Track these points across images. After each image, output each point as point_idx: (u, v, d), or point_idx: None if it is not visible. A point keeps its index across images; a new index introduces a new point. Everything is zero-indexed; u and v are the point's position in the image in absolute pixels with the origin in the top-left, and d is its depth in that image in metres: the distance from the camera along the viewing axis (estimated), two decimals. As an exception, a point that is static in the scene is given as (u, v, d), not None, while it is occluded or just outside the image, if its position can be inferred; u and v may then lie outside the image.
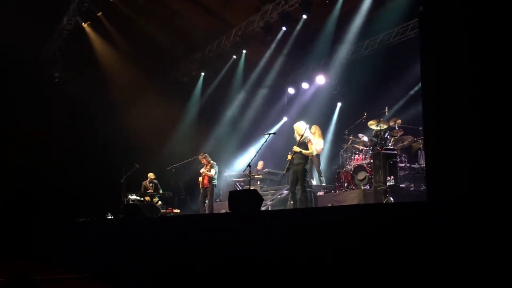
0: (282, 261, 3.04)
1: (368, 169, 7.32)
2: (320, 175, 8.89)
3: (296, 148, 6.42)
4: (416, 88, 8.90)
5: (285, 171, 6.88)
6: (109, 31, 10.35)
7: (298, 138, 6.54)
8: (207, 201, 8.55)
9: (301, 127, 6.58)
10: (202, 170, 8.66)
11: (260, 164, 10.10)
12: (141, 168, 10.18)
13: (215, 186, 8.68)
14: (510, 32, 2.10)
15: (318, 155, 8.82)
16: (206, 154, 8.82)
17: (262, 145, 6.93)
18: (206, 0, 10.01)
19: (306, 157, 6.43)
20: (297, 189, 6.45)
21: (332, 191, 8.19)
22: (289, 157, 6.59)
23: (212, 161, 8.71)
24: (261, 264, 3.25)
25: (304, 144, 6.42)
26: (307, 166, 6.50)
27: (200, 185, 8.67)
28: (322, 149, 8.84)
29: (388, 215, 2.44)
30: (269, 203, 8.22)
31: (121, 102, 10.97)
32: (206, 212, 8.43)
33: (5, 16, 8.69)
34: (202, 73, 12.28)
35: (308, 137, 6.52)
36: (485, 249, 1.90)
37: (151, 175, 10.30)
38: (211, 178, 8.53)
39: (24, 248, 8.49)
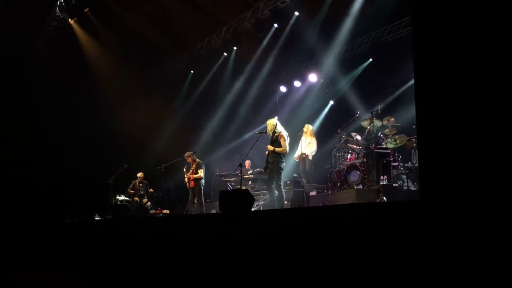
0: (274, 261, 2.99)
1: (361, 168, 7.27)
2: (308, 177, 8.66)
3: (270, 147, 6.26)
4: (409, 86, 8.87)
5: (263, 170, 6.71)
6: (97, 28, 10.18)
7: (270, 135, 6.37)
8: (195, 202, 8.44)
9: (271, 123, 6.40)
10: (186, 174, 8.49)
11: (248, 164, 10.01)
12: (130, 168, 10.03)
13: (203, 185, 8.54)
14: (504, 30, 2.07)
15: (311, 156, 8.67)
16: (192, 153, 8.68)
17: (253, 144, 6.84)
18: (196, -3, 9.91)
19: (280, 155, 6.24)
20: (273, 187, 6.31)
21: (325, 191, 8.13)
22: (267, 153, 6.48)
23: (198, 160, 8.58)
24: (253, 264, 3.19)
25: (276, 141, 6.25)
26: (283, 164, 6.29)
27: (187, 186, 8.55)
28: (315, 150, 8.65)
29: (381, 214, 2.39)
30: (261, 203, 8.14)
31: (109, 100, 10.80)
32: (193, 212, 8.31)
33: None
34: (192, 71, 12.17)
35: (281, 133, 6.31)
36: (479, 248, 1.89)
37: (140, 175, 10.15)
38: (198, 178, 8.40)
39: (14, 250, 8.33)
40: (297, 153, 8.73)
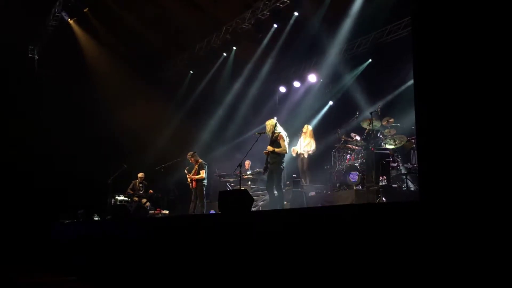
0: (274, 261, 2.98)
1: (361, 169, 7.26)
2: (305, 176, 8.64)
3: (269, 148, 6.25)
4: (408, 87, 8.86)
5: (263, 171, 6.69)
6: (97, 28, 10.18)
7: (269, 135, 6.36)
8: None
9: (271, 123, 6.39)
10: (188, 175, 8.47)
11: (247, 164, 10.00)
12: (129, 168, 10.01)
13: (205, 186, 8.52)
14: (504, 31, 2.06)
15: (308, 156, 8.66)
16: (194, 153, 8.65)
17: (253, 145, 6.83)
18: (196, -3, 9.91)
19: (280, 155, 6.24)
20: (273, 187, 6.28)
21: (324, 192, 8.13)
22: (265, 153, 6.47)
23: (200, 160, 8.55)
24: (253, 265, 3.18)
25: (276, 142, 6.25)
26: (282, 165, 6.28)
27: (190, 186, 8.53)
28: (314, 150, 8.65)
29: (380, 215, 2.39)
30: (260, 203, 8.12)
31: (108, 100, 10.79)
32: (195, 212, 8.30)
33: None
34: (191, 71, 12.16)
35: (280, 133, 6.29)
36: (479, 249, 1.89)
37: (141, 175, 10.13)
38: (200, 179, 8.38)
39: (14, 250, 8.32)
40: (295, 149, 8.69)
